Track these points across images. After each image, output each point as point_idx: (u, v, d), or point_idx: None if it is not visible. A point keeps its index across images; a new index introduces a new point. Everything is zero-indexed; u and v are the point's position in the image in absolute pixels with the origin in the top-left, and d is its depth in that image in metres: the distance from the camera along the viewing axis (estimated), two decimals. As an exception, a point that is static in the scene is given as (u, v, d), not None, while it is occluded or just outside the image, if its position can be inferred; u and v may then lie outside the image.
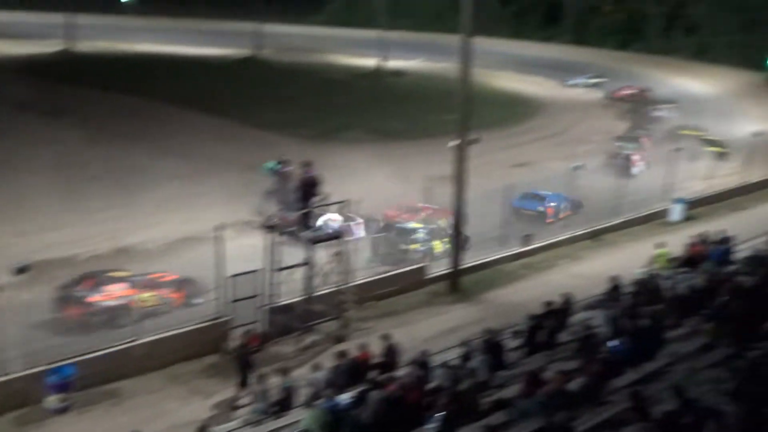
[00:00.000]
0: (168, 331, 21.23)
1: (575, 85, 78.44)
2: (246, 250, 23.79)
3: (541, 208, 34.63)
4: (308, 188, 22.20)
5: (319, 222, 22.83)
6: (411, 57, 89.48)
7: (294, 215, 22.17)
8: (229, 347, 21.32)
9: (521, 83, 79.19)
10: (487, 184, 35.31)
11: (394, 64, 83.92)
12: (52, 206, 32.18)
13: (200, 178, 37.28)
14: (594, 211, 34.53)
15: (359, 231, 29.61)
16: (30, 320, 20.26)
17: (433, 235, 30.09)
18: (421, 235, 29.87)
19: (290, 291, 23.06)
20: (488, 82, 72.32)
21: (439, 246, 29.65)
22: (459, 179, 26.89)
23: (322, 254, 23.23)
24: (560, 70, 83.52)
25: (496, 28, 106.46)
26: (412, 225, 30.29)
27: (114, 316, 22.19)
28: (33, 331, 20.46)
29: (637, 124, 59.24)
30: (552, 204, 34.97)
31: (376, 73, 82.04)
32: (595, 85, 78.45)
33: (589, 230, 32.51)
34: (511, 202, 32.86)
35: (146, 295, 22.43)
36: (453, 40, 30.11)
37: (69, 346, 20.32)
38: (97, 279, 23.07)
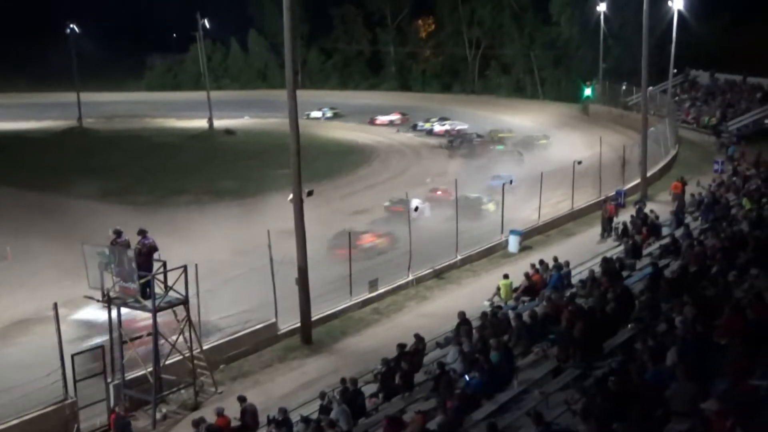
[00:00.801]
0: (7, 420, 19.84)
1: (317, 118, 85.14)
2: (85, 327, 22.79)
3: (507, 183, 42.46)
4: (146, 256, 21.56)
5: (412, 204, 35.99)
6: (239, 115, 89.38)
7: (134, 285, 21.45)
8: (80, 429, 20.34)
9: (352, 132, 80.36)
10: (328, 232, 35.57)
11: (223, 123, 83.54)
12: None
13: (27, 256, 35.39)
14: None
15: (428, 211, 40.39)
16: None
17: (489, 200, 42.45)
18: (484, 200, 42.73)
19: (139, 363, 22.17)
20: (319, 133, 73.04)
21: (492, 206, 41.44)
22: (299, 231, 26.86)
23: (169, 321, 22.56)
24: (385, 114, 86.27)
25: (323, 81, 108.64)
26: (477, 195, 42.95)
27: (368, 253, 34.71)
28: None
29: (465, 139, 68.64)
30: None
31: (207, 134, 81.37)
32: (333, 116, 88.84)
33: (432, 269, 33.04)
34: (487, 182, 45.36)
35: (380, 240, 36.13)
36: (279, 95, 30.25)
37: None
38: (350, 232, 32.75)
